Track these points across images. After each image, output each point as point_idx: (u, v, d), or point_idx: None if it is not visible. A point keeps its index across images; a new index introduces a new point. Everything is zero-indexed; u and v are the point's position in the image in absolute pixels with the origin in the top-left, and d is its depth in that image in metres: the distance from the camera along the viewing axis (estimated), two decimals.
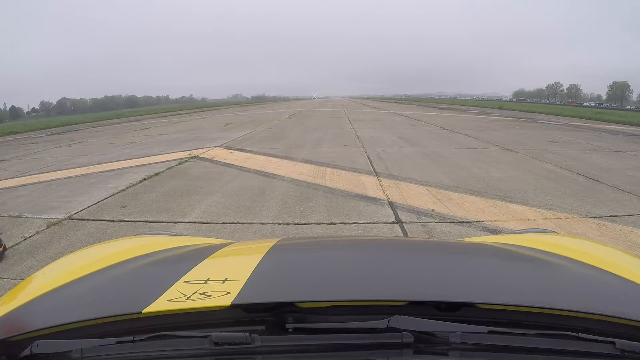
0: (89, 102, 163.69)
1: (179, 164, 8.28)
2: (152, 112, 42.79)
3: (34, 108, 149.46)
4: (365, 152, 9.55)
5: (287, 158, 8.78)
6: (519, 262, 1.13)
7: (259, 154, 9.47)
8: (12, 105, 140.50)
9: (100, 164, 8.79)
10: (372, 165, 7.87)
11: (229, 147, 10.75)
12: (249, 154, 9.41)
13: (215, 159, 8.85)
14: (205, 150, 10.26)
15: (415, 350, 0.68)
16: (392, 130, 15.61)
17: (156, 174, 7.25)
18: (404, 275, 0.96)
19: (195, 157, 9.13)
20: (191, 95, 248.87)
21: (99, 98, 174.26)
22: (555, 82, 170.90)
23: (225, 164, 8.12)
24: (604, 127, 18.87)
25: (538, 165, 7.85)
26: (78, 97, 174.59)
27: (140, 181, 6.72)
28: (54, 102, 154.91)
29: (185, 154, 9.46)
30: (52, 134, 19.54)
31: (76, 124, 27.89)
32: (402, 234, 4.15)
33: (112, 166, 8.39)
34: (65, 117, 42.95)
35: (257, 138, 13.11)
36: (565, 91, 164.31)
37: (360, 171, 7.29)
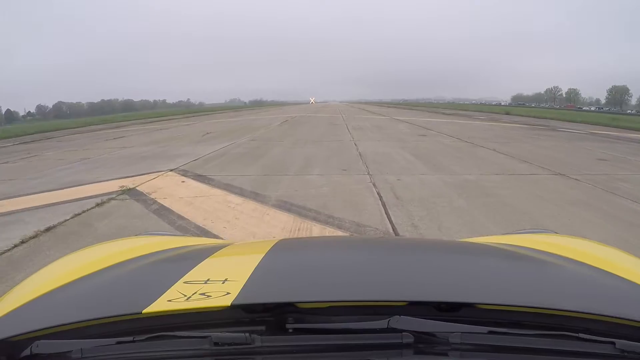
0: (85, 106, 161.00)
1: (97, 205, 5.50)
2: (141, 117, 40.31)
3: (29, 112, 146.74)
4: (374, 184, 6.68)
5: (255, 196, 5.89)
6: (519, 262, 1.12)
7: (219, 186, 6.65)
8: (8, 109, 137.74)
9: (7, 198, 6.41)
10: (388, 216, 4.97)
11: (186, 172, 7.94)
12: (205, 187, 6.60)
13: (152, 195, 6.05)
14: (153, 176, 7.49)
15: (415, 350, 0.68)
16: (400, 142, 12.75)
17: (47, 230, 4.65)
18: (404, 276, 0.95)
19: (130, 190, 6.29)
20: (188, 99, 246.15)
21: (95, 102, 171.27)
22: (554, 87, 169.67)
23: (160, 209, 5.38)
24: (631, 136, 16.86)
25: (624, 207, 5.43)
26: (75, 101, 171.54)
27: (8, 249, 4.13)
28: (50, 106, 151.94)
29: (121, 185, 6.89)
30: (21, 143, 17.31)
31: (57, 130, 25.52)
32: None
33: (13, 205, 5.94)
34: (48, 123, 41.11)
35: (231, 155, 10.32)
36: (564, 95, 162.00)
37: (371, 229, 4.40)
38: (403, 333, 0.68)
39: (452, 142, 12.88)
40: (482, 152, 10.53)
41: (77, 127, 27.24)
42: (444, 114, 37.19)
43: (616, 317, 0.72)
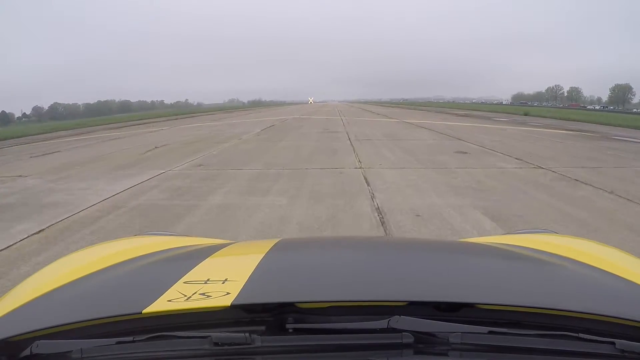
0: (81, 107, 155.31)
1: None
2: (121, 121, 36.41)
3: (24, 113, 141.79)
4: None
5: None
6: (519, 262, 1.11)
7: None
8: (3, 111, 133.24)
9: None
10: None
11: None
12: None
13: None
14: None
15: (415, 350, 0.67)
16: (441, 171, 7.76)
17: None
18: (404, 276, 0.94)
19: None
20: (187, 100, 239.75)
21: (91, 103, 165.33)
22: (555, 85, 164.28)
23: None
24: None
25: None
26: (71, 102, 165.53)
27: None
28: (46, 107, 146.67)
29: None
30: None
31: (22, 136, 22.36)
32: None
33: None
34: (20, 128, 37.72)
35: (118, 216, 5.05)
36: (566, 94, 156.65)
37: None
38: (403, 333, 0.67)
39: (520, 170, 7.84)
40: (607, 203, 5.43)
41: (46, 133, 24.32)
42: (456, 115, 32.08)
43: (616, 317, 0.72)
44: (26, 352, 0.68)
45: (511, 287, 0.89)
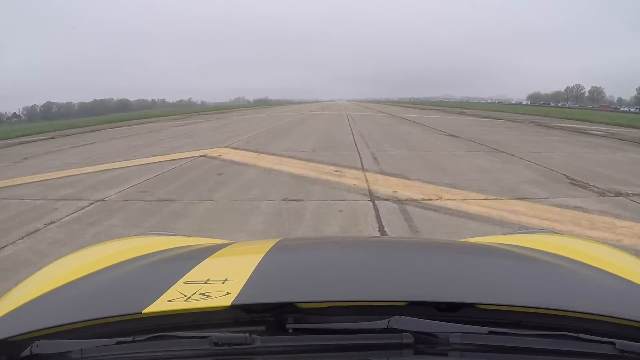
0: (76, 106, 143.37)
1: None
2: (106, 122, 32.13)
3: (14, 113, 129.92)
4: None
5: None
6: (519, 262, 1.10)
7: None
8: None
9: None
10: None
11: None
12: None
13: None
14: None
15: (415, 350, 0.67)
16: None
17: None
18: (404, 276, 0.94)
19: None
20: (190, 98, 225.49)
21: (87, 102, 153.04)
22: (576, 85, 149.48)
23: None
24: None
25: None
26: (66, 101, 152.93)
27: None
28: (39, 107, 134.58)
29: None
30: None
31: None
32: None
33: None
34: None
35: None
36: (587, 94, 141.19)
37: None
38: (403, 333, 0.66)
39: None
40: None
41: (17, 136, 20.30)
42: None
43: (616, 317, 0.71)
44: (26, 352, 0.68)
45: (511, 287, 0.89)
